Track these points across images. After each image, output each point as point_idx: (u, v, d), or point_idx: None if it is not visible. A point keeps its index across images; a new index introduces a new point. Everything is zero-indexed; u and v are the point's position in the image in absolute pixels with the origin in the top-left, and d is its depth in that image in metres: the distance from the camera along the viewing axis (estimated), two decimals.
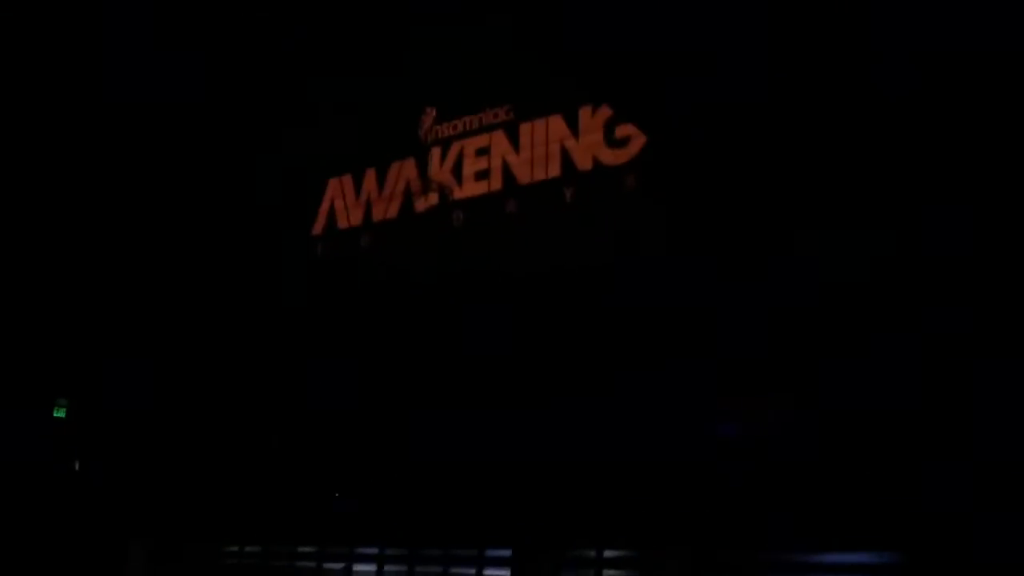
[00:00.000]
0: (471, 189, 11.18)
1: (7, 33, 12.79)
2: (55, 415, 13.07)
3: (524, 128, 10.93)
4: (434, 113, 11.83)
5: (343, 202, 12.51)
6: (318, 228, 12.67)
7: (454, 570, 10.25)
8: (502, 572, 9.74)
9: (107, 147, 13.52)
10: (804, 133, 8.75)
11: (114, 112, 13.35)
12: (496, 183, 10.97)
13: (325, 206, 12.67)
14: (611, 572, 9.22)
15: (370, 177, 12.25)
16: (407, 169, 11.89)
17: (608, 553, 9.23)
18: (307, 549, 11.53)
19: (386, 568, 10.80)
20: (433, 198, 11.47)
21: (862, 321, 7.92)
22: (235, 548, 12.21)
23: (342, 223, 12.44)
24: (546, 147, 10.69)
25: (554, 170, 10.56)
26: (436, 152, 11.64)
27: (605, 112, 10.33)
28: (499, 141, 11.12)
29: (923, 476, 7.36)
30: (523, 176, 10.78)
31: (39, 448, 12.91)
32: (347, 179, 12.53)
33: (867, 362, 7.77)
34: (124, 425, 12.97)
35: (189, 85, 13.23)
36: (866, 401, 7.75)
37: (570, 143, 10.52)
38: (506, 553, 9.71)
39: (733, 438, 8.45)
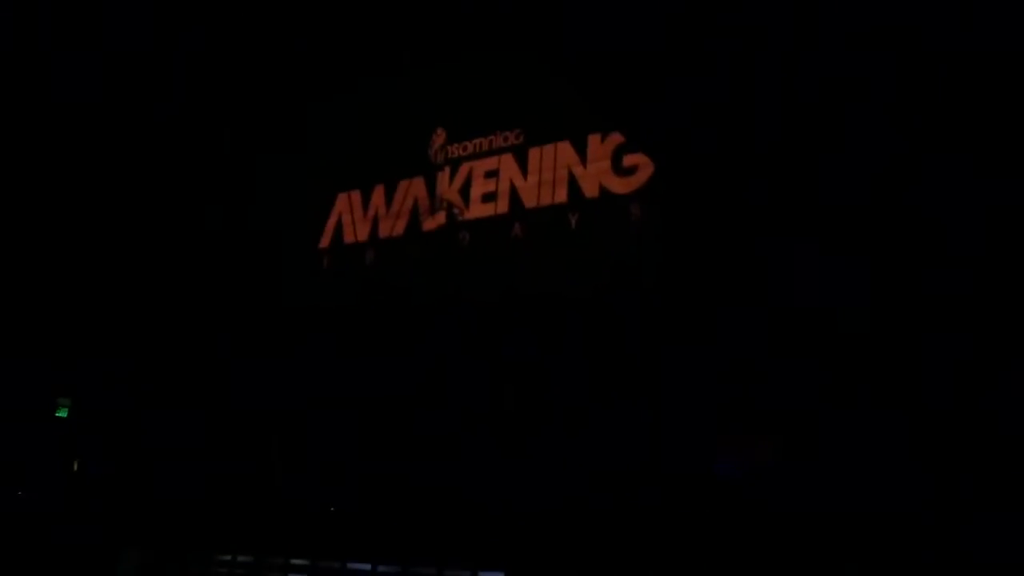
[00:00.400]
0: (478, 211, 11.26)
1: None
2: (57, 415, 13.12)
3: (533, 152, 11.02)
4: (445, 134, 11.94)
5: (351, 217, 12.61)
6: (325, 241, 12.77)
7: None
8: None
9: (108, 156, 13.62)
10: (813, 169, 8.80)
11: (119, 120, 13.46)
12: (503, 206, 11.06)
13: (332, 220, 12.79)
14: None
15: (378, 193, 12.36)
16: (415, 187, 11.99)
17: None
18: (300, 562, 11.62)
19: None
20: (440, 218, 11.56)
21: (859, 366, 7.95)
22: (228, 557, 12.29)
23: (348, 237, 12.54)
24: (554, 172, 10.78)
25: (561, 195, 10.64)
26: (445, 172, 11.75)
27: (614, 140, 10.40)
28: (508, 164, 11.21)
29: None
30: (530, 200, 10.86)
31: (40, 450, 12.97)
32: (355, 194, 12.64)
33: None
34: (119, 430, 13.02)
35: (201, 93, 13.37)
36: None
37: (578, 169, 10.60)
38: (499, 575, 9.80)
39: (729, 478, 8.48)
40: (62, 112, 13.37)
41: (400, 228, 11.97)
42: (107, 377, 13.24)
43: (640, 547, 8.73)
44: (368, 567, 10.90)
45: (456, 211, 11.43)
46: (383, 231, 12.14)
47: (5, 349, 13.04)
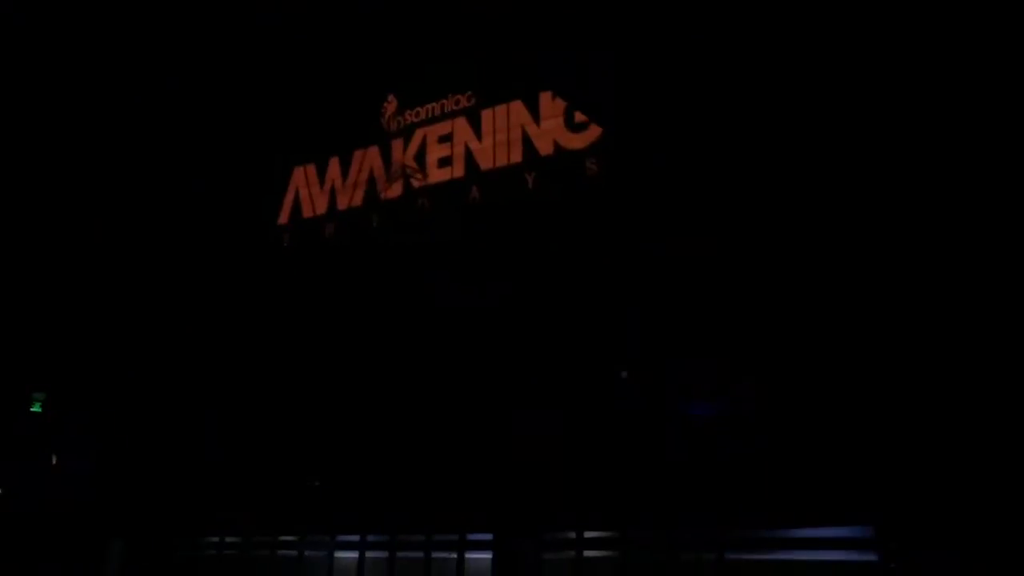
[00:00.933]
0: (435, 176, 11.25)
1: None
2: (32, 410, 12.99)
3: (486, 114, 11.02)
4: (396, 101, 11.87)
5: (308, 191, 12.53)
6: (283, 217, 12.68)
7: (436, 555, 10.42)
8: (483, 555, 9.95)
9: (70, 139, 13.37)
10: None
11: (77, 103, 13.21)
12: (459, 170, 11.06)
13: (290, 195, 12.69)
14: (592, 553, 9.42)
15: (334, 166, 12.29)
16: (371, 157, 11.93)
17: (589, 534, 9.44)
18: (288, 538, 11.64)
19: (367, 555, 10.94)
20: (397, 186, 11.52)
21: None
22: (215, 539, 12.30)
23: (307, 212, 12.46)
24: (508, 133, 10.79)
25: (516, 156, 10.67)
26: (399, 140, 11.70)
27: None
28: (461, 128, 11.20)
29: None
30: (486, 162, 10.87)
31: (20, 446, 12.86)
32: (311, 168, 12.55)
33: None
34: (103, 421, 12.92)
35: (149, 75, 13.13)
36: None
37: (531, 128, 10.63)
38: (487, 537, 9.90)
39: (706, 417, 8.65)
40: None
41: (359, 199, 11.92)
42: (83, 371, 13.08)
43: (624, 503, 8.93)
44: (356, 538, 11.05)
45: (411, 178, 11.40)
46: (342, 203, 12.09)
47: None
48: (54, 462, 12.90)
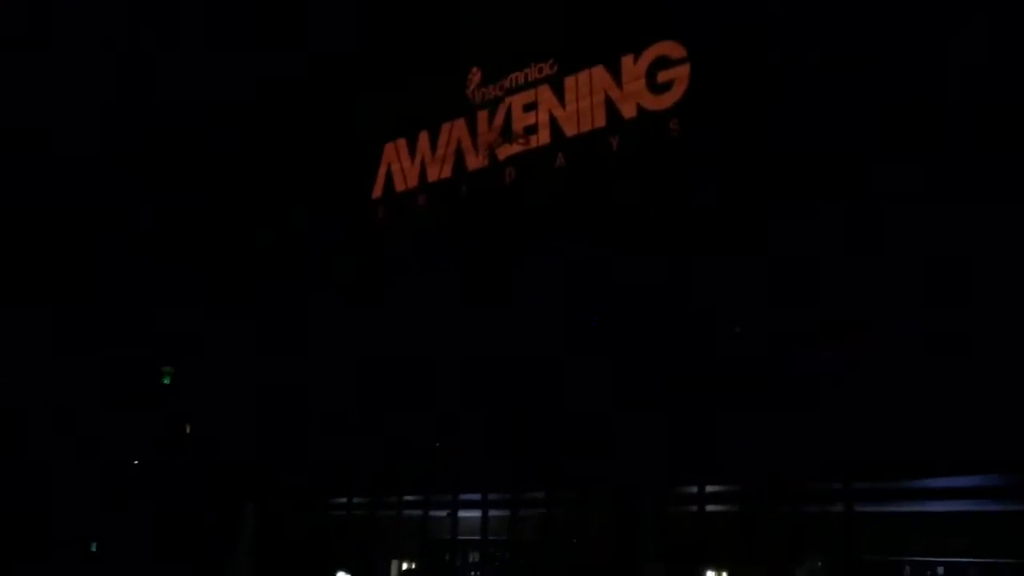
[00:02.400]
0: (521, 145, 11.50)
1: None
2: (163, 382, 13.89)
3: (569, 81, 11.18)
4: (480, 72, 12.15)
5: (399, 165, 12.98)
6: (377, 192, 13.18)
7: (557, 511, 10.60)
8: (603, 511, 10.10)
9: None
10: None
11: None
12: (544, 137, 11.28)
13: (382, 170, 13.17)
14: (714, 507, 9.53)
15: (423, 139, 12.67)
16: (458, 129, 12.26)
17: (710, 488, 9.49)
18: (413, 498, 12.09)
19: (490, 513, 11.26)
20: (485, 156, 11.83)
21: None
22: (343, 500, 12.91)
23: (399, 185, 12.92)
24: (591, 98, 10.94)
25: (600, 120, 10.81)
26: (484, 111, 11.99)
27: (647, 58, 10.50)
28: (545, 95, 11.40)
29: None
30: (570, 128, 11.05)
31: (149, 416, 13.80)
32: (402, 143, 12.98)
33: None
34: (228, 390, 13.64)
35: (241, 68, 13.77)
36: None
37: (614, 92, 10.74)
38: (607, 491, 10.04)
39: (828, 369, 8.47)
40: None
41: (448, 170, 12.29)
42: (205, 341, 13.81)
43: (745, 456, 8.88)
44: (478, 497, 11.38)
45: (497, 148, 11.67)
46: (432, 175, 12.49)
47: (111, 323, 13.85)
48: (188, 431, 13.81)
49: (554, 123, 11.22)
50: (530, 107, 11.50)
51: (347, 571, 12.54)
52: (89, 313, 13.92)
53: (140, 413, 13.78)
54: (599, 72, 10.92)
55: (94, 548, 13.61)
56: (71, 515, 13.40)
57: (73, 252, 14.14)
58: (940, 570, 8.06)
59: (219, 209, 14.18)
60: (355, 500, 12.83)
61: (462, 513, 11.55)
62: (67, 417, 13.75)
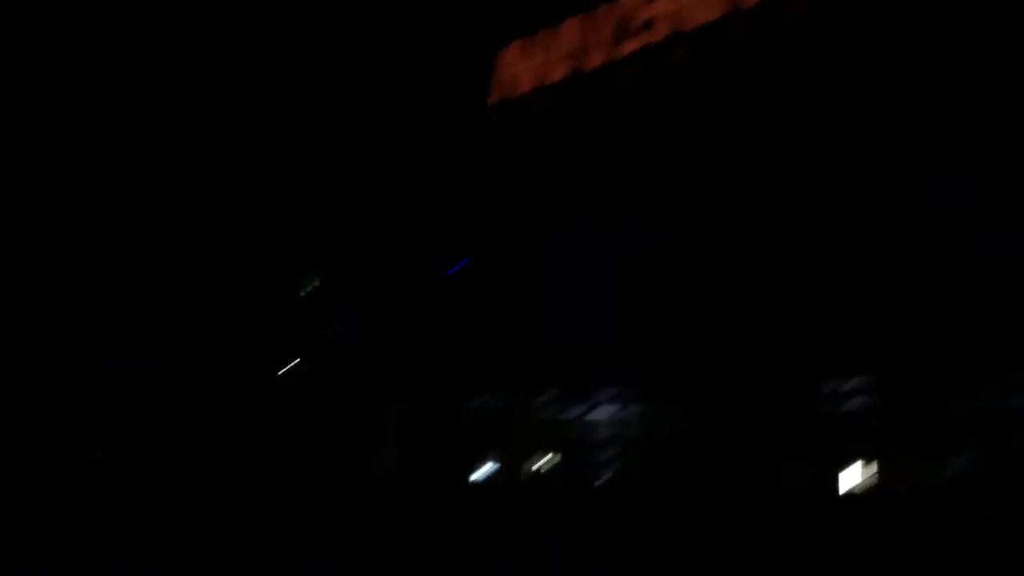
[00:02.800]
0: (638, 41, 11.30)
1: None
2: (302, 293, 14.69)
3: None
4: None
5: (513, 70, 12.95)
6: (493, 99, 13.23)
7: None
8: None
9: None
10: None
11: None
12: (662, 31, 11.05)
13: (497, 76, 13.17)
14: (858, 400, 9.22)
15: (538, 42, 12.57)
16: (570, 30, 12.11)
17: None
18: (547, 396, 12.15)
19: (630, 408, 11.31)
20: (601, 55, 11.69)
21: None
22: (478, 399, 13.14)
23: (514, 91, 12.93)
24: None
25: (720, 9, 10.50)
26: (599, 9, 11.77)
27: None
28: None
29: None
30: (689, 21, 10.78)
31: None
32: (515, 46, 12.91)
33: None
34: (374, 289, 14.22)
35: None
36: None
37: None
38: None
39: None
40: None
41: (564, 72, 12.21)
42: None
43: None
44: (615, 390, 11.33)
45: (617, 45, 11.50)
46: (547, 78, 12.43)
47: None
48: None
49: (672, 17, 10.95)
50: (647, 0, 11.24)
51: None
52: None
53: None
54: None
55: None
56: None
57: None
58: None
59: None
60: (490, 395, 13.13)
61: (598, 411, 11.74)
62: None
